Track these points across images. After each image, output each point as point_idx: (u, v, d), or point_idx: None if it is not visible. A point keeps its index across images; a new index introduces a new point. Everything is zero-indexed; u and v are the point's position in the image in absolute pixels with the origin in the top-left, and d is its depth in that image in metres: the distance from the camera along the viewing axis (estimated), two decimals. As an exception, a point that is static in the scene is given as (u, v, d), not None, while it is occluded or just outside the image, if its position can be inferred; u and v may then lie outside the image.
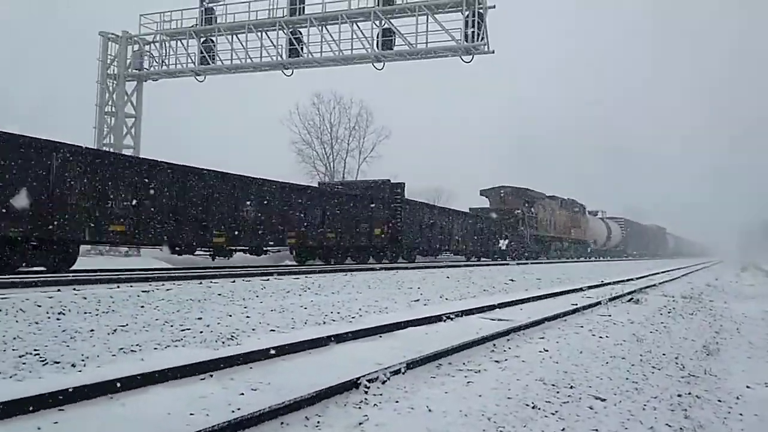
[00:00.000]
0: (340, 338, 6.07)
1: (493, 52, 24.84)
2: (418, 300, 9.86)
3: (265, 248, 19.22)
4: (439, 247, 30.46)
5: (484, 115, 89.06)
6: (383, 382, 4.43)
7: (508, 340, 6.80)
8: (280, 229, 19.07)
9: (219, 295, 8.81)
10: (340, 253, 23.51)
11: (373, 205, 24.77)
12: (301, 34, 26.76)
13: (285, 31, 26.65)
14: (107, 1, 72.40)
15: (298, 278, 12.78)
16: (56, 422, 3.38)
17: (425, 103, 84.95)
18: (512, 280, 15.70)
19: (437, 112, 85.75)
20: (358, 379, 4.31)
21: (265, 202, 18.50)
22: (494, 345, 6.39)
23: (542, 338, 7.08)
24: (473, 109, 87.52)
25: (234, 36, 27.67)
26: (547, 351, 6.23)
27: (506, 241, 36.93)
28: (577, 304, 10.25)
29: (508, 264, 29.83)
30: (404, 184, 26.89)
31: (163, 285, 9.85)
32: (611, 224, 62.60)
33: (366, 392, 4.23)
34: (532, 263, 34.07)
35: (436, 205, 35.17)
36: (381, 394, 4.23)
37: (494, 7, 24.74)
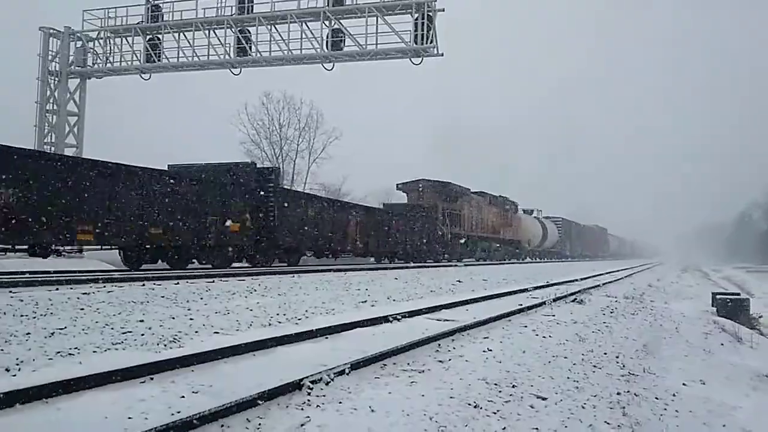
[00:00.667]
0: (285, 340, 6.02)
1: (442, 54, 25.02)
2: (365, 301, 9.87)
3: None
4: (333, 246, 25.25)
5: (435, 115, 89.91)
6: (327, 383, 4.43)
7: (453, 340, 6.87)
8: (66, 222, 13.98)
9: (162, 297, 8.66)
10: (177, 255, 17.96)
11: (226, 194, 19.15)
12: (249, 32, 26.50)
13: (233, 29, 26.35)
14: (49, -5, 70.53)
15: (243, 280, 12.66)
16: (-13, 428, 3.28)
17: (377, 104, 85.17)
18: (459, 281, 15.85)
19: (389, 113, 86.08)
20: (301, 380, 4.30)
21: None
22: (439, 345, 6.44)
23: (486, 338, 7.16)
24: (424, 109, 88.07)
25: (181, 34, 27.21)
26: (491, 351, 6.31)
27: (424, 241, 33.03)
28: (522, 305, 10.40)
29: (456, 265, 30.08)
30: (278, 169, 23.81)
31: (104, 287, 9.63)
32: (547, 224, 60.08)
33: (309, 393, 4.22)
34: (479, 264, 34.50)
35: (332, 198, 31.48)
36: (324, 396, 4.22)
37: (443, 10, 24.91)
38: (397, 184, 36.56)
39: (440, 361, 5.63)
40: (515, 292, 13.30)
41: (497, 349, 6.40)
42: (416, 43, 24.61)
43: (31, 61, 28.42)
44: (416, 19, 24.72)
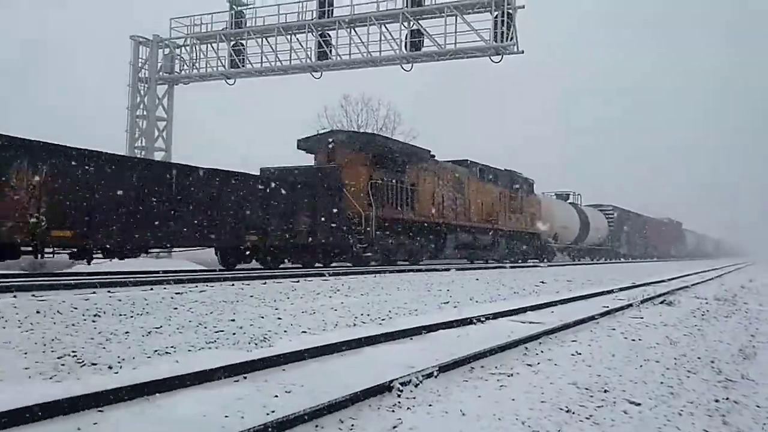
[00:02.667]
0: (371, 340, 6.08)
1: (523, 52, 24.77)
2: (447, 302, 9.84)
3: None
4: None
5: (514, 113, 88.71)
6: (416, 386, 4.43)
7: (540, 343, 6.76)
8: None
9: (251, 296, 8.89)
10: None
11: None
12: (329, 36, 26.93)
13: (314, 33, 26.83)
14: (138, 6, 73.46)
15: (327, 280, 12.84)
16: (95, 423, 3.44)
17: (453, 103, 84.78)
18: (543, 282, 15.59)
19: (465, 111, 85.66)
20: (390, 382, 4.32)
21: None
22: (526, 348, 6.35)
23: (574, 341, 7.02)
24: (503, 107, 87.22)
25: (264, 39, 27.91)
26: (579, 354, 6.18)
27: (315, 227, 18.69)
28: (608, 307, 10.15)
29: (537, 266, 29.61)
30: None
31: (195, 287, 9.96)
32: (589, 212, 45.90)
33: (399, 395, 4.24)
34: (565, 265, 33.88)
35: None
36: (414, 398, 4.23)
37: (523, 7, 24.64)
38: (299, 141, 22.91)
39: (528, 365, 5.55)
40: (600, 294, 12.98)
41: (586, 353, 6.26)
42: (496, 41, 24.41)
43: (122, 68, 29.75)
44: (496, 17, 24.50)
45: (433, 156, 24.86)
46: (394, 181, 22.11)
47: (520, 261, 32.91)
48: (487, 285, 13.94)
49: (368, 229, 20.29)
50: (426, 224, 23.83)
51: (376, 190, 21.05)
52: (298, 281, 12.08)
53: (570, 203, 45.50)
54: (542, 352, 6.26)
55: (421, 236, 23.84)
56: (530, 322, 8.30)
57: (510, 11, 24.42)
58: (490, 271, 21.16)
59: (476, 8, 24.96)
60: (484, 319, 8.13)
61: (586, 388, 4.76)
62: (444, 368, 4.92)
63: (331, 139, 22.40)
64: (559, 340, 7.02)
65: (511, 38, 24.41)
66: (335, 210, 19.59)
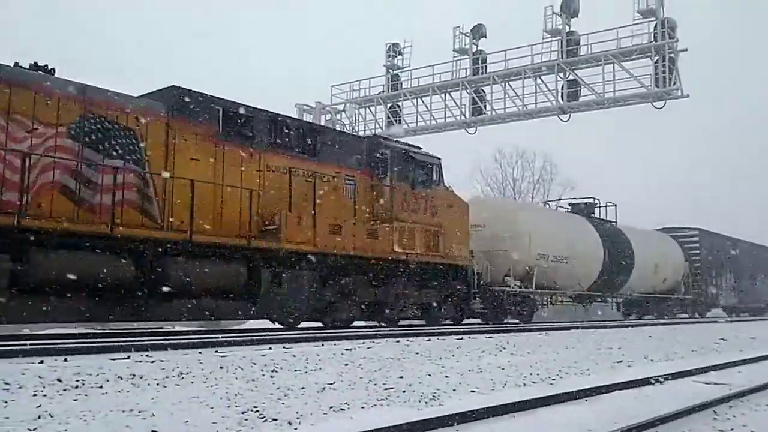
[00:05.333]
0: (543, 401, 5.88)
1: (688, 96, 23.63)
2: (620, 361, 9.34)
3: None
4: None
5: (670, 159, 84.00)
6: (597, 451, 4.22)
7: (730, 407, 6.22)
8: None
9: (416, 353, 8.93)
10: None
11: None
12: (483, 92, 27.17)
13: (468, 90, 27.16)
14: (302, 77, 78.29)
15: (491, 337, 12.66)
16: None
17: (614, 150, 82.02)
18: (723, 340, 14.42)
19: (625, 159, 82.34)
20: (571, 446, 4.13)
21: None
22: (715, 412, 5.87)
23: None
24: (660, 153, 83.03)
25: (419, 99, 28.64)
26: (778, 421, 5.62)
27: None
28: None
29: (716, 322, 27.47)
30: None
31: (363, 343, 10.17)
32: (641, 239, 28.33)
33: (580, 461, 4.04)
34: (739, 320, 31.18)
35: None
36: (596, 464, 4.02)
37: (686, 50, 23.62)
38: None
39: (721, 431, 5.12)
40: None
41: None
42: (657, 87, 23.50)
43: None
44: (656, 62, 23.65)
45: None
46: None
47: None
48: (661, 342, 13.11)
49: None
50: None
51: None
52: (461, 338, 12.00)
53: (585, 218, 25.97)
54: (734, 416, 5.75)
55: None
56: (714, 383, 7.71)
57: (671, 55, 23.50)
58: (663, 328, 19.82)
59: (635, 55, 24.25)
60: (662, 380, 7.64)
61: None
62: (626, 433, 4.64)
63: None
64: (753, 404, 6.44)
65: (674, 82, 23.41)
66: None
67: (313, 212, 13.37)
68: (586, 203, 27.89)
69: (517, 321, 20.78)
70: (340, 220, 13.96)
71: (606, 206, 28.85)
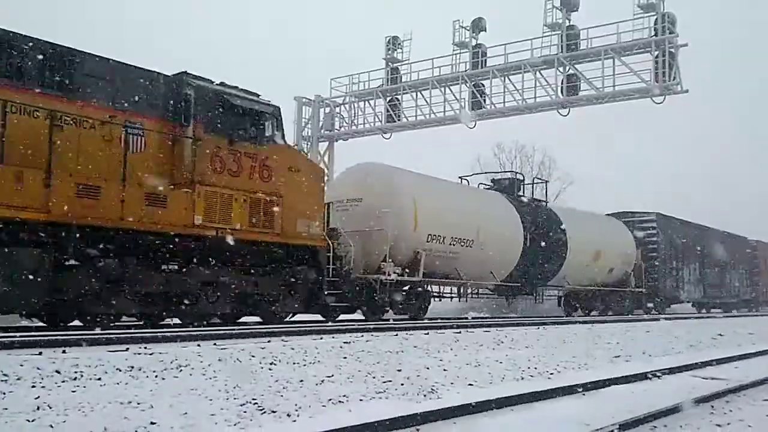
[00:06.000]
0: (541, 395, 5.90)
1: (687, 91, 23.61)
2: (619, 356, 9.36)
3: None
4: None
5: (670, 153, 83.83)
6: (595, 445, 4.23)
7: (727, 401, 6.25)
8: None
9: (415, 347, 8.93)
10: None
11: None
12: (483, 86, 27.11)
13: (467, 84, 27.11)
14: (301, 69, 78.17)
15: (488, 331, 12.66)
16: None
17: (611, 146, 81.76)
18: (720, 335, 14.45)
19: (624, 154, 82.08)
20: (569, 440, 4.14)
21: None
22: (712, 407, 5.89)
23: (767, 400, 6.43)
24: (661, 147, 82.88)
25: (418, 92, 28.58)
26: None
27: None
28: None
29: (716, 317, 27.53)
30: None
31: (362, 336, 10.18)
32: (576, 220, 23.95)
33: (578, 455, 4.06)
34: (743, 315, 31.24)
35: None
36: (594, 458, 4.04)
37: (686, 45, 23.58)
38: None
39: (718, 425, 5.13)
40: None
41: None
42: (657, 82, 23.47)
43: (286, 127, 31.46)
44: (656, 57, 23.62)
45: None
46: None
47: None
48: (659, 338, 13.14)
49: None
50: None
51: None
52: (460, 332, 12.01)
53: (503, 195, 21.64)
54: (731, 411, 5.79)
55: None
56: (711, 378, 7.76)
57: (671, 50, 23.47)
58: (661, 323, 19.84)
59: (635, 49, 24.20)
60: (660, 375, 7.67)
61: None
62: (624, 427, 4.66)
63: None
64: (750, 399, 6.48)
65: (674, 77, 23.38)
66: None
67: (47, 167, 9.62)
68: (509, 179, 23.33)
69: (405, 317, 16.98)
70: (101, 180, 10.20)
71: (533, 183, 24.62)
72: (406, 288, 17.03)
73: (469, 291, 20.47)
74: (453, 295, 19.77)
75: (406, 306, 16.92)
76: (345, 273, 14.71)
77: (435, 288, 18.98)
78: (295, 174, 13.11)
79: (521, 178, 23.84)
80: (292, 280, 13.14)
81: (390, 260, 15.80)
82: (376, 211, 15.85)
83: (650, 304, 28.24)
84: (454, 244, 17.77)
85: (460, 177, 22.75)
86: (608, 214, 28.46)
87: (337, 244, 14.67)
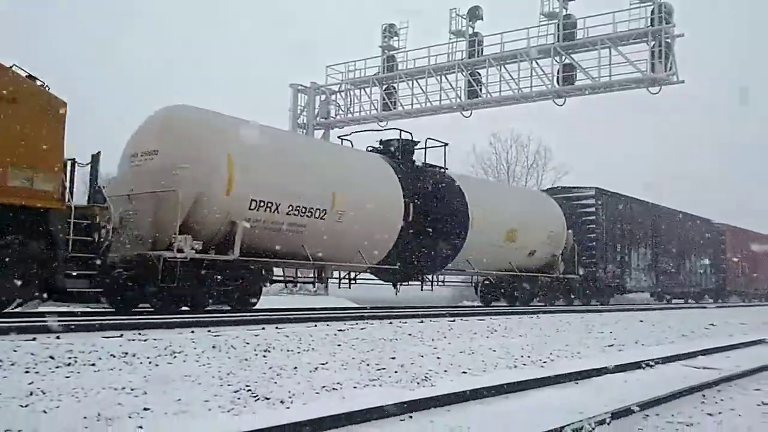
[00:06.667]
0: (534, 384, 5.93)
1: (683, 81, 23.61)
2: (612, 345, 9.40)
3: None
4: None
5: (671, 143, 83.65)
6: (588, 433, 4.26)
7: (719, 390, 6.29)
8: None
9: (409, 335, 8.96)
10: None
11: None
12: (479, 75, 27.06)
13: (464, 73, 27.05)
14: (297, 56, 77.86)
15: (483, 320, 12.70)
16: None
17: (609, 135, 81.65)
18: (713, 325, 14.54)
19: (621, 144, 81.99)
20: (562, 428, 4.17)
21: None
22: (703, 396, 5.93)
23: (758, 390, 6.48)
24: (661, 138, 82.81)
25: (414, 81, 28.51)
26: (766, 404, 5.68)
27: None
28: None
29: (705, 307, 27.63)
30: None
31: (356, 324, 10.21)
32: (478, 189, 20.17)
33: (571, 442, 4.08)
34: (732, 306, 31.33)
35: None
36: (586, 446, 4.06)
37: (683, 35, 23.57)
38: None
39: (709, 414, 5.17)
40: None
41: (774, 405, 5.74)
42: (653, 72, 23.45)
43: (283, 115, 31.34)
44: (652, 47, 23.60)
45: None
46: None
47: None
48: (652, 327, 13.20)
49: None
50: None
51: None
52: (454, 320, 12.05)
53: (382, 157, 17.43)
54: (722, 400, 5.83)
55: None
56: (703, 368, 7.82)
57: (668, 40, 23.45)
58: (655, 312, 19.94)
59: (631, 39, 24.17)
60: (652, 364, 7.72)
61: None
62: (616, 415, 4.69)
63: None
64: (741, 388, 6.53)
65: (670, 68, 23.38)
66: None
67: None
68: (396, 140, 17.99)
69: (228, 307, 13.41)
70: None
71: (426, 147, 18.48)
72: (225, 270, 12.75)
73: (342, 275, 16.41)
74: (306, 279, 15.41)
75: (224, 293, 12.98)
76: (103, 246, 10.61)
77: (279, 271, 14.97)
78: (8, 105, 9.34)
79: (416, 141, 18.36)
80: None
81: (188, 234, 11.75)
82: (171, 168, 11.94)
83: (589, 293, 24.68)
84: (296, 215, 13.58)
85: (339, 137, 18.69)
86: (542, 190, 25.55)
87: (102, 211, 10.73)
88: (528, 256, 21.22)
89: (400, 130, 18.15)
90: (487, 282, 22.24)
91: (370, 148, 18.05)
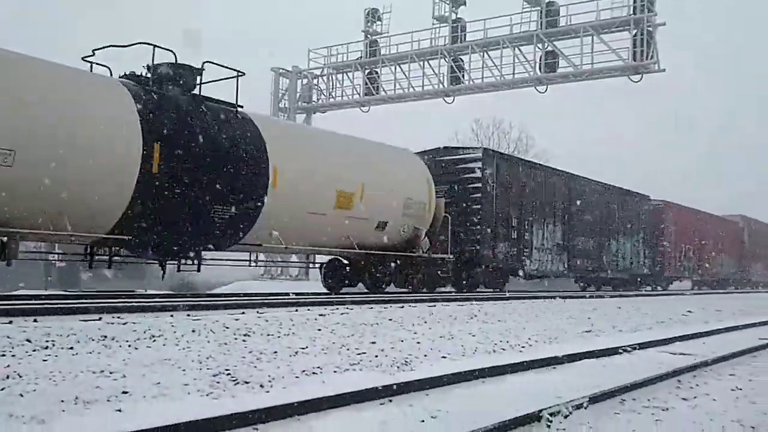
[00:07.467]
0: (512, 368, 5.97)
1: (664, 70, 23.80)
2: (590, 330, 9.49)
3: None
4: None
5: (648, 129, 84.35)
6: (565, 417, 4.30)
7: (694, 376, 6.38)
8: None
9: (390, 320, 8.99)
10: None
11: None
12: (462, 61, 27.09)
13: (447, 58, 27.04)
14: (278, 39, 77.21)
15: (462, 305, 12.77)
16: (252, 440, 3.57)
17: (592, 122, 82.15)
18: (690, 312, 14.73)
19: (602, 130, 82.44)
20: (540, 411, 4.21)
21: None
22: (679, 381, 6.02)
23: (733, 375, 6.58)
24: (640, 124, 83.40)
25: (397, 66, 28.45)
26: (740, 389, 5.77)
27: None
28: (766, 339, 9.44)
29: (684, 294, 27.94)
30: None
31: (337, 309, 10.22)
32: (292, 135, 15.73)
33: (549, 426, 4.12)
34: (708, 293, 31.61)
35: None
36: (564, 429, 4.10)
37: (664, 24, 23.71)
38: None
39: (684, 399, 5.24)
40: (756, 325, 12.10)
41: (747, 388, 5.83)
42: (635, 60, 23.60)
43: (263, 99, 31.08)
44: (634, 36, 23.73)
45: None
46: None
47: None
48: (629, 313, 13.35)
49: None
50: None
51: None
52: (434, 306, 12.10)
53: (116, 79, 11.96)
54: (697, 385, 5.91)
55: None
56: (680, 353, 7.90)
57: (650, 29, 23.58)
58: (632, 299, 20.12)
59: (613, 27, 24.29)
60: (630, 349, 7.80)
61: (752, 427, 4.43)
62: (594, 399, 4.74)
63: None
64: (716, 374, 6.62)
65: (652, 56, 23.53)
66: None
67: None
68: (168, 64, 12.50)
69: None
70: None
71: (221, 79, 13.53)
72: None
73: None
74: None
75: None
76: None
77: None
78: None
79: (197, 68, 12.84)
80: None
81: None
82: None
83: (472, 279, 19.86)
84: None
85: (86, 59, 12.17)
86: (418, 153, 19.20)
87: None
88: (376, 229, 16.17)
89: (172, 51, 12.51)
90: (337, 263, 17.31)
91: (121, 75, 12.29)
